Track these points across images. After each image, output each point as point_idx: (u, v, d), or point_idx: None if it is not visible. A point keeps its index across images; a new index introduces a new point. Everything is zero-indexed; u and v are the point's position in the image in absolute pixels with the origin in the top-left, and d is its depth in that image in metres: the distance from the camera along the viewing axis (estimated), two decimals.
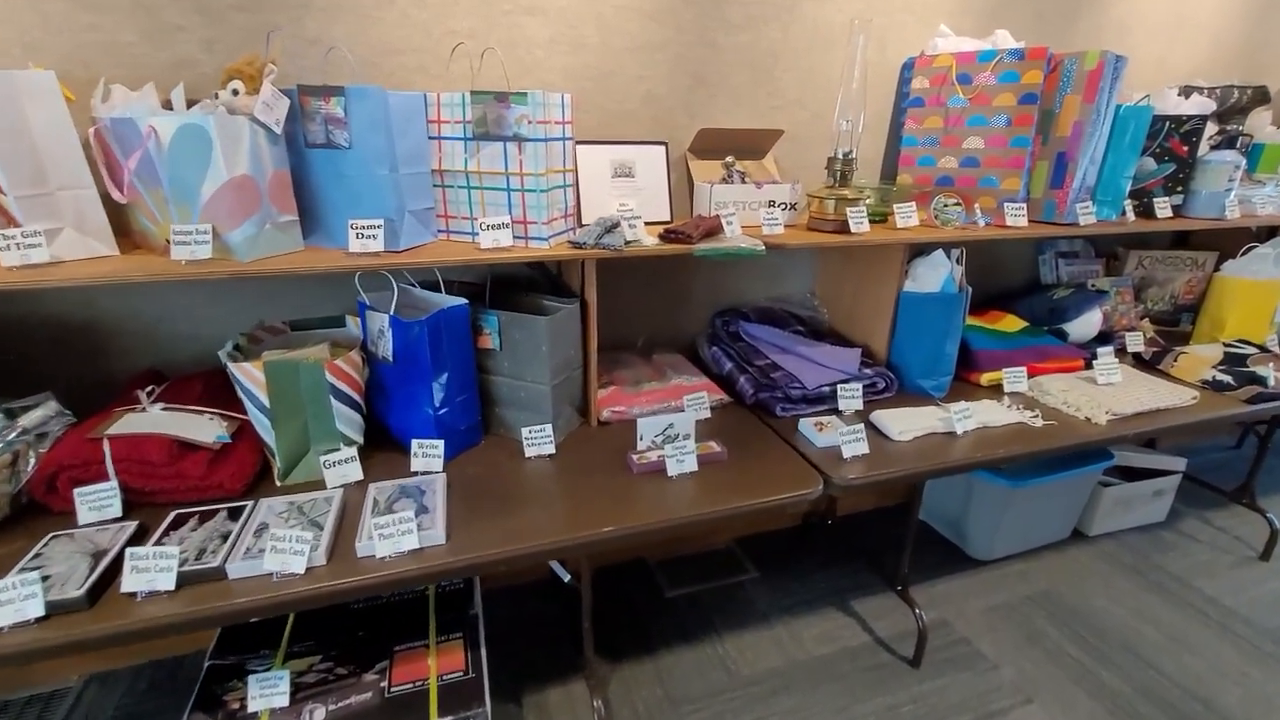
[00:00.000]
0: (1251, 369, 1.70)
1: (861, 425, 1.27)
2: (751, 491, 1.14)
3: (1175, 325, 2.12)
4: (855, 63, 1.41)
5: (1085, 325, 1.79)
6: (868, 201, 1.58)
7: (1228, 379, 1.65)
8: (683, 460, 1.16)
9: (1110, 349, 1.75)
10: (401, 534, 0.94)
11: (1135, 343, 1.88)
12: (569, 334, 1.26)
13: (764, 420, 1.41)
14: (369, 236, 1.09)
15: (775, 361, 1.51)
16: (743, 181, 1.52)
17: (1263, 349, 1.83)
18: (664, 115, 1.54)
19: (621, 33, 1.43)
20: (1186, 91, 1.83)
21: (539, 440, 1.23)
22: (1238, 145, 1.77)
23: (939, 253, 1.51)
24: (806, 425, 1.34)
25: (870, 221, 1.54)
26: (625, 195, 1.46)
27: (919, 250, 1.55)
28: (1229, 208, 1.78)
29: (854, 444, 1.23)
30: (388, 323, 1.12)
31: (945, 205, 1.54)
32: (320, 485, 1.11)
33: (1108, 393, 1.53)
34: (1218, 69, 2.11)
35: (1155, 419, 1.47)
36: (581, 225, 1.32)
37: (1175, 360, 1.76)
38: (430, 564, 0.94)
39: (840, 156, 1.44)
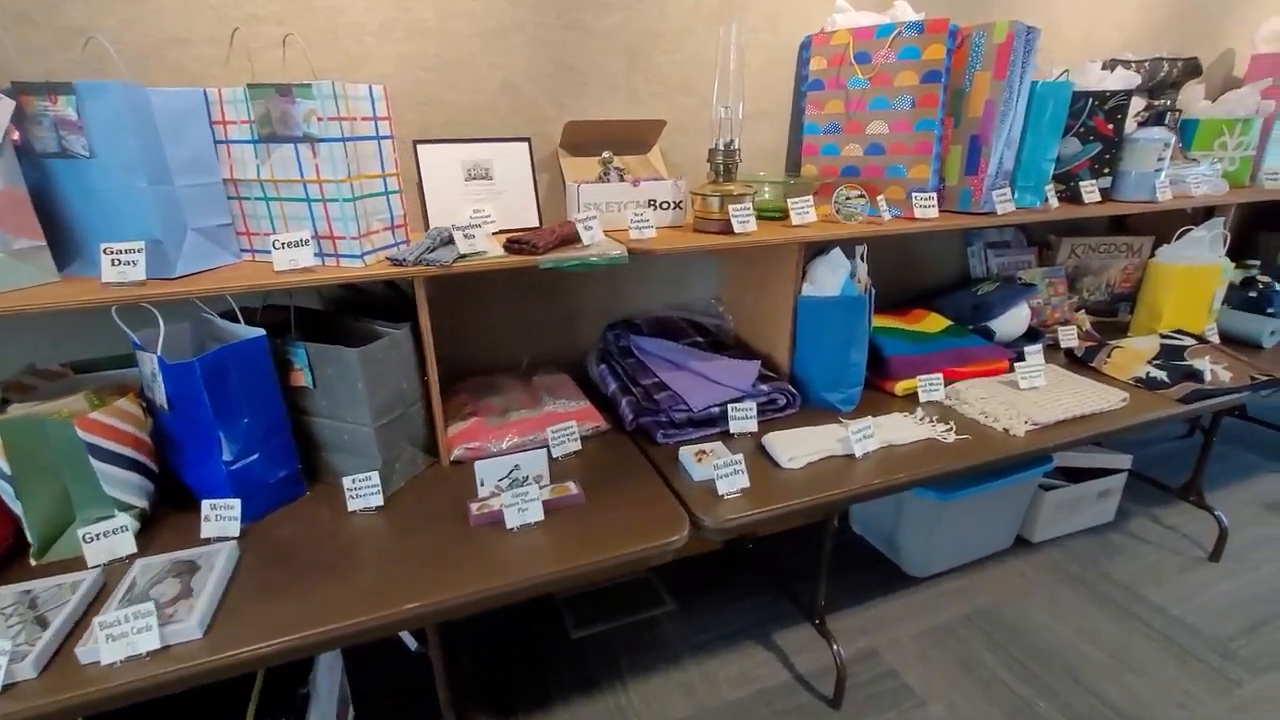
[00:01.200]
0: (1189, 362, 1.57)
1: (741, 455, 1.11)
2: (602, 544, 0.97)
3: (1113, 316, 2.00)
4: (730, 45, 1.24)
5: (1012, 322, 1.65)
6: (765, 196, 1.43)
7: (1162, 375, 1.52)
8: (525, 509, 0.99)
9: (1039, 347, 1.61)
10: (137, 632, 0.76)
11: (1069, 338, 1.74)
12: (395, 365, 1.08)
13: (644, 449, 1.25)
14: (127, 263, 0.91)
15: (663, 380, 1.35)
16: (621, 179, 1.36)
17: (1201, 339, 1.71)
18: (526, 108, 1.36)
19: (465, 14, 1.26)
20: (1111, 65, 1.70)
21: (364, 491, 1.05)
22: (1166, 121, 1.65)
23: (836, 252, 1.36)
24: (687, 455, 1.18)
25: (769, 219, 1.39)
26: (482, 200, 1.29)
27: (819, 250, 1.40)
28: (1160, 189, 1.65)
29: (731, 478, 1.07)
30: (157, 364, 0.94)
31: (847, 198, 1.39)
32: (83, 564, 0.93)
33: (1030, 399, 1.39)
34: (1147, 41, 1.99)
35: (1080, 426, 1.33)
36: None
37: (1109, 356, 1.63)
38: (176, 668, 0.76)
39: (721, 148, 1.28)
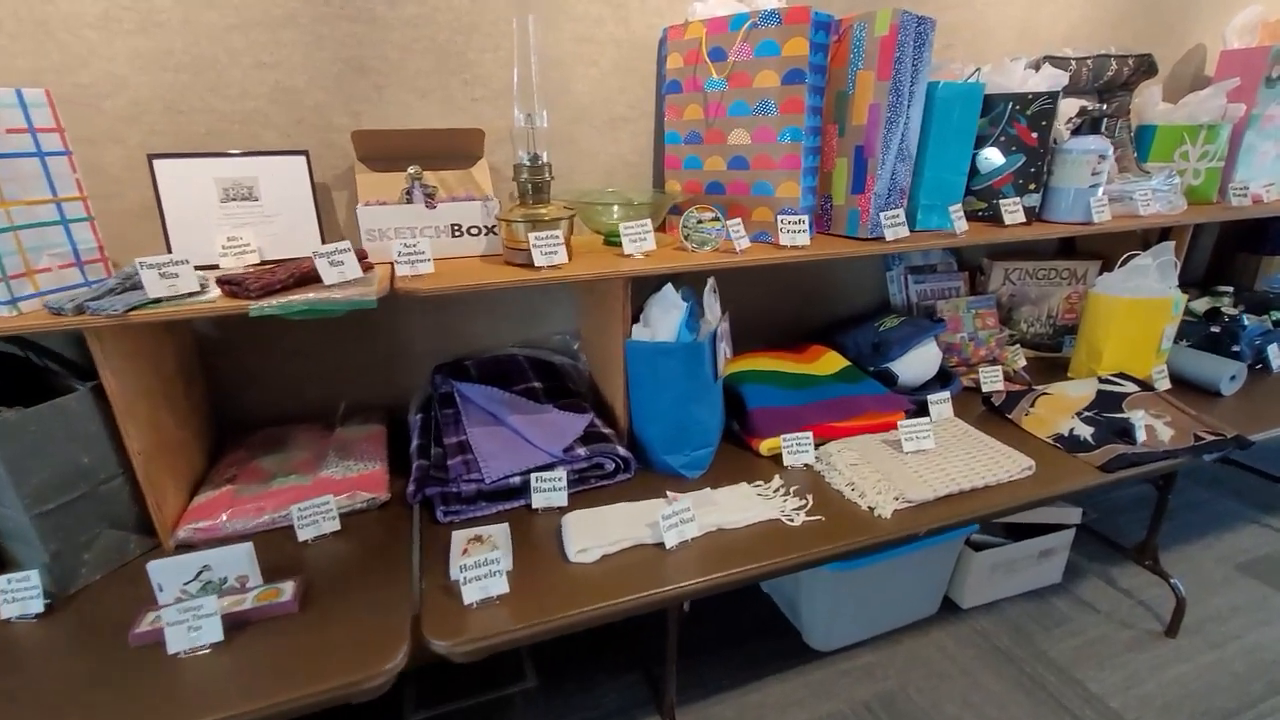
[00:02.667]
0: (1125, 415, 1.32)
1: (499, 552, 0.88)
2: (290, 678, 0.75)
3: (1058, 351, 1.74)
4: (529, 45, 1.02)
5: (918, 363, 1.41)
6: (614, 218, 1.21)
7: (1088, 433, 1.27)
8: (197, 627, 0.78)
9: (947, 394, 1.37)
10: None
11: (993, 381, 1.50)
12: (64, 436, 0.87)
13: (424, 530, 1.03)
14: None
15: (467, 439, 1.13)
16: (428, 199, 1.14)
17: (1145, 386, 1.45)
18: (311, 115, 1.15)
19: (215, 3, 1.05)
20: (1038, 64, 1.45)
21: (21, 594, 0.84)
22: (1104, 128, 1.39)
23: (667, 289, 1.13)
24: (457, 542, 0.96)
25: (617, 245, 1.17)
26: (243, 225, 1.08)
27: (658, 284, 1.18)
28: (1096, 208, 1.40)
29: (482, 582, 0.85)
30: None
31: (698, 221, 1.16)
32: None
33: (911, 467, 1.15)
34: (1102, 34, 1.74)
35: (965, 505, 1.09)
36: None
37: (1031, 406, 1.38)
38: None
39: (527, 164, 1.06)
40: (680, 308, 1.10)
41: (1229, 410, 1.43)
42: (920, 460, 1.17)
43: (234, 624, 0.81)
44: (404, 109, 1.20)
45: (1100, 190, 1.41)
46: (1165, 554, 1.78)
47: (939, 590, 1.67)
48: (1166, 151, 1.67)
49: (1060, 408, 1.37)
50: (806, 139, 1.17)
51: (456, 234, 1.14)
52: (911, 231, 1.26)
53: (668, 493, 1.08)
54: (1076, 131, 1.40)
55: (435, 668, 1.57)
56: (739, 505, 1.06)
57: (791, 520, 1.03)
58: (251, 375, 1.25)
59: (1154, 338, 1.46)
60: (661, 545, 0.97)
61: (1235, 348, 1.55)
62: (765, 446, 1.22)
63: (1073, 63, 1.54)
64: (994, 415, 1.39)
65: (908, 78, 1.19)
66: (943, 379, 1.45)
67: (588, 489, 1.11)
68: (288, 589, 0.86)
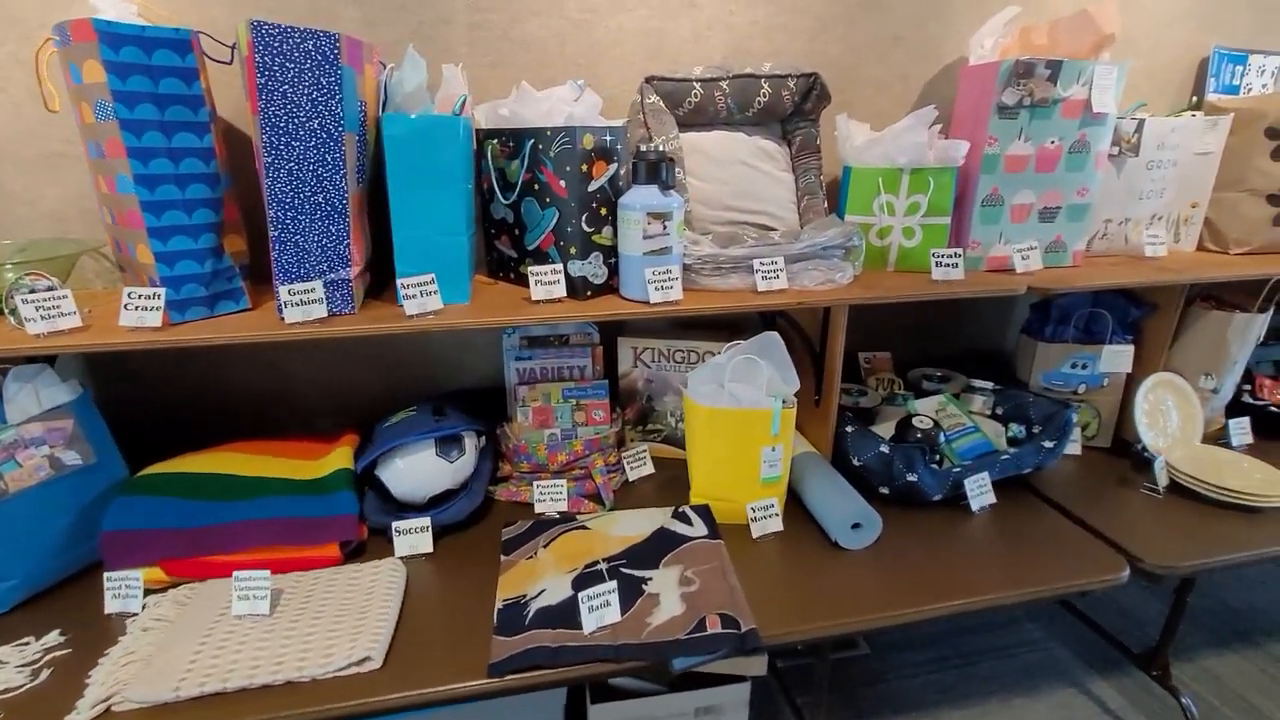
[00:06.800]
0: (646, 575, 0.94)
1: None
2: None
3: None
4: None
5: (412, 474, 1.08)
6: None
7: (559, 599, 0.91)
8: None
9: (426, 521, 1.05)
10: None
11: (549, 500, 1.14)
12: None
13: None
14: None
15: None
16: None
17: (713, 531, 1.05)
18: None
19: None
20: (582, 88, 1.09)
21: None
22: (663, 175, 1.02)
23: None
24: None
25: None
26: None
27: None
28: (651, 284, 1.02)
29: None
30: None
31: (29, 290, 0.91)
32: None
33: (220, 639, 0.83)
34: (791, 46, 1.33)
35: (263, 707, 0.77)
36: None
37: (546, 546, 1.02)
38: None
39: None
40: None
41: (877, 573, 1.00)
42: (246, 630, 0.85)
43: None
44: None
45: (675, 256, 1.03)
46: None
47: None
48: (864, 202, 1.25)
49: (579, 552, 1.01)
50: (142, 191, 0.89)
51: None
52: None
53: None
54: (636, 180, 1.04)
55: None
56: None
57: None
58: None
59: (750, 464, 1.06)
60: None
61: (910, 476, 1.12)
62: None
63: (696, 86, 1.16)
64: (497, 554, 1.05)
65: (302, 109, 0.89)
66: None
67: None
68: None
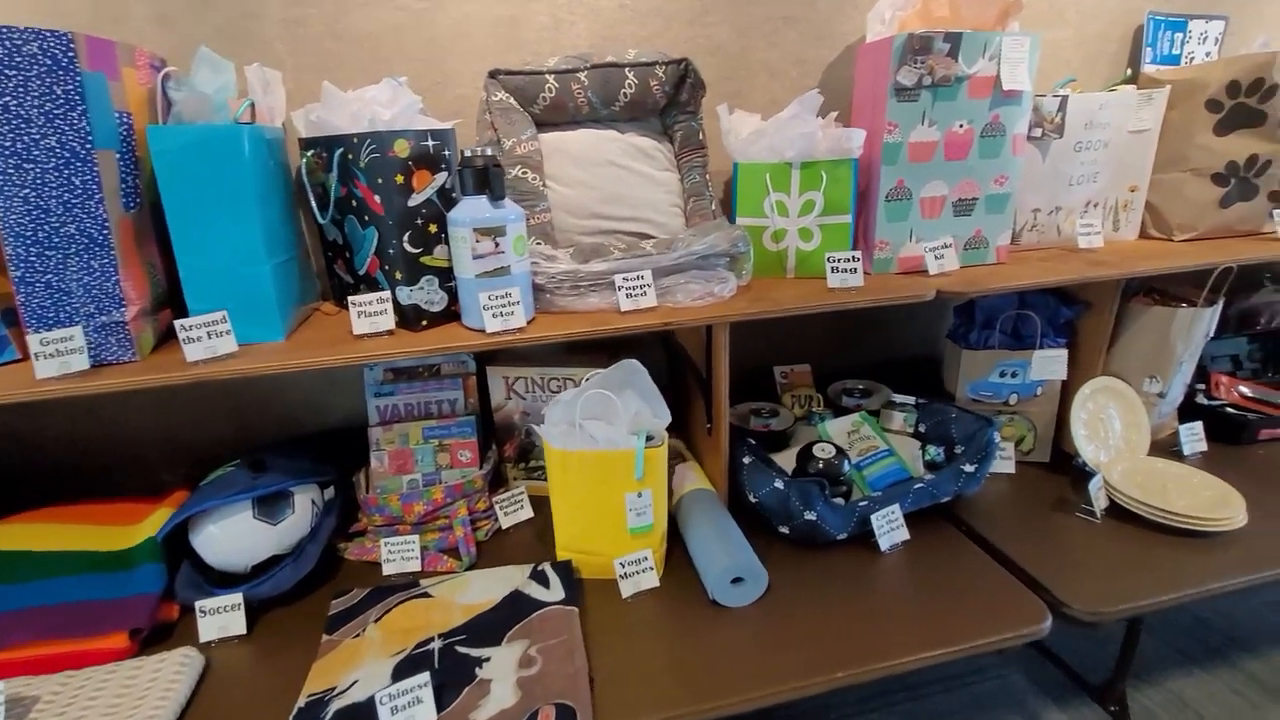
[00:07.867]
0: (481, 654, 0.80)
1: None
2: None
3: None
4: None
5: (230, 540, 0.93)
6: None
7: (377, 690, 0.76)
8: None
9: (238, 597, 0.90)
10: None
11: (399, 561, 1.00)
12: None
13: None
14: None
15: None
16: None
17: (571, 595, 0.91)
18: None
19: None
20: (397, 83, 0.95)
21: None
22: (491, 184, 0.87)
23: None
24: None
25: None
26: None
27: None
28: (489, 311, 0.88)
29: None
30: None
31: None
32: None
33: None
34: (668, 33, 1.19)
35: None
36: None
37: (379, 619, 0.88)
38: None
39: None
40: None
41: (763, 636, 0.86)
42: None
43: None
44: None
45: (518, 276, 0.89)
46: None
47: None
48: (755, 202, 1.11)
49: (414, 627, 0.86)
50: None
51: None
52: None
53: None
54: (464, 191, 0.89)
55: None
56: None
57: None
58: None
59: (615, 512, 0.91)
60: None
61: (808, 514, 0.97)
62: None
63: (550, 79, 1.02)
64: (320, 634, 0.90)
65: (33, 124, 0.74)
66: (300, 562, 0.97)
67: None
68: None
